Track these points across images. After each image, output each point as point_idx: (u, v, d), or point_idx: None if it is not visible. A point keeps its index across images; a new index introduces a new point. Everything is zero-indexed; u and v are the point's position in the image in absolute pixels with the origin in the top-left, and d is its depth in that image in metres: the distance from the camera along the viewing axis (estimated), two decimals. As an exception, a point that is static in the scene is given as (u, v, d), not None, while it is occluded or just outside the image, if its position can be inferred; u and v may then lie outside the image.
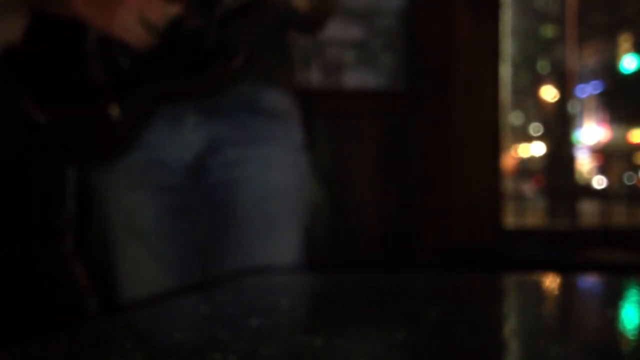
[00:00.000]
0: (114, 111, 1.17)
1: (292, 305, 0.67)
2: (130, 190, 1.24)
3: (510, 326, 0.60)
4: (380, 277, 0.84)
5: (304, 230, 1.26)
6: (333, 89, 2.56)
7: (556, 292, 0.78)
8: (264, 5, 1.20)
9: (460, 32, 2.56)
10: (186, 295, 0.79)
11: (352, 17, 2.57)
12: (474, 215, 2.55)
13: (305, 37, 1.43)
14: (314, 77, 2.52)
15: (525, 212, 4.08)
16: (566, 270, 1.35)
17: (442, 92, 2.56)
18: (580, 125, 9.29)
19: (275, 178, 1.23)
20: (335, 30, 2.55)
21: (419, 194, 2.53)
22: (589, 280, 0.84)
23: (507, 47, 2.84)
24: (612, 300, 0.73)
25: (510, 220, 2.98)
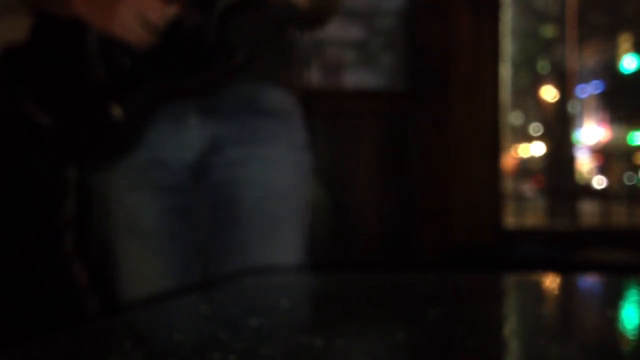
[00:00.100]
0: (115, 111, 1.17)
1: (292, 305, 0.67)
2: (131, 190, 1.24)
3: (510, 326, 0.60)
4: (380, 277, 0.84)
5: (305, 229, 1.26)
6: (333, 89, 2.56)
7: (556, 292, 0.78)
8: (263, 3, 1.20)
9: (460, 32, 2.56)
10: (186, 295, 0.79)
11: (352, 17, 2.57)
12: (474, 215, 2.55)
13: (306, 33, 1.42)
14: (314, 77, 2.52)
15: (525, 212, 4.07)
16: (566, 270, 1.35)
17: (442, 92, 2.56)
18: (580, 125, 9.29)
19: (277, 178, 1.23)
20: (335, 30, 2.55)
21: (419, 194, 2.53)
22: (589, 280, 0.84)
23: (507, 47, 2.84)
24: (612, 300, 0.73)
25: (510, 220, 2.98)
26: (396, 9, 2.58)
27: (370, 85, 2.58)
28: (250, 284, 0.86)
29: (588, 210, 4.25)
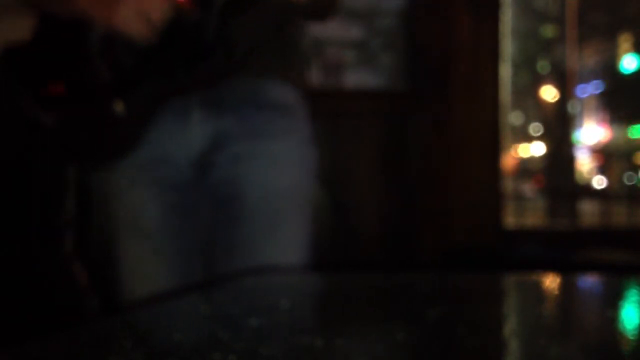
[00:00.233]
0: (118, 108, 1.17)
1: (292, 305, 0.67)
2: (133, 189, 1.24)
3: (510, 326, 0.60)
4: (380, 277, 0.84)
5: (309, 226, 1.25)
6: (333, 89, 2.57)
7: (556, 292, 0.78)
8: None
9: (460, 32, 2.56)
10: (186, 295, 0.79)
11: (352, 17, 2.57)
12: (474, 215, 2.55)
13: (313, 24, 1.42)
14: (314, 77, 2.52)
15: (525, 212, 4.08)
16: (566, 270, 1.35)
17: (442, 92, 2.55)
18: (580, 125, 9.29)
19: (281, 174, 1.23)
20: (335, 30, 2.55)
21: (419, 194, 2.53)
22: (589, 280, 0.84)
23: (507, 47, 2.84)
24: (612, 300, 0.73)
25: (510, 220, 2.98)
26: (396, 9, 2.58)
27: (370, 85, 2.58)
28: (250, 284, 0.86)
29: (588, 210, 4.25)
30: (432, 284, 0.80)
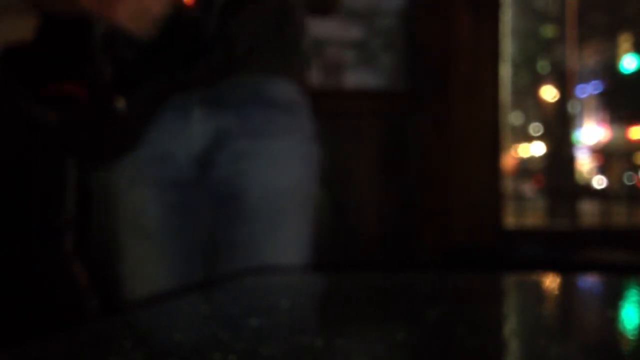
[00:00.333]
0: (120, 106, 1.17)
1: (292, 305, 0.67)
2: (135, 187, 1.24)
3: (510, 326, 0.60)
4: (380, 277, 0.84)
5: (310, 225, 1.25)
6: (333, 89, 2.57)
7: (556, 292, 0.78)
8: None
9: (460, 32, 2.56)
10: (186, 295, 0.79)
11: (352, 17, 2.57)
12: (474, 215, 2.55)
13: (316, 20, 1.42)
14: (314, 77, 2.52)
15: (525, 212, 4.08)
16: (566, 270, 1.35)
17: (442, 92, 2.55)
18: (580, 125, 9.29)
19: (283, 172, 1.22)
20: (335, 30, 2.55)
21: (419, 194, 2.53)
22: (589, 280, 0.84)
23: (507, 47, 2.84)
24: (612, 300, 0.73)
25: (510, 220, 2.98)
26: (396, 9, 2.58)
27: (370, 85, 2.58)
28: (250, 284, 0.86)
29: (588, 210, 4.25)
30: (432, 284, 0.80)
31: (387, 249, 2.52)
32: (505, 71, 2.71)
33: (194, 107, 1.20)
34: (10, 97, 1.21)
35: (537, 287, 0.79)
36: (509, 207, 3.13)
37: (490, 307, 0.68)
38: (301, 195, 1.24)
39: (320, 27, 2.48)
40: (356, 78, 2.58)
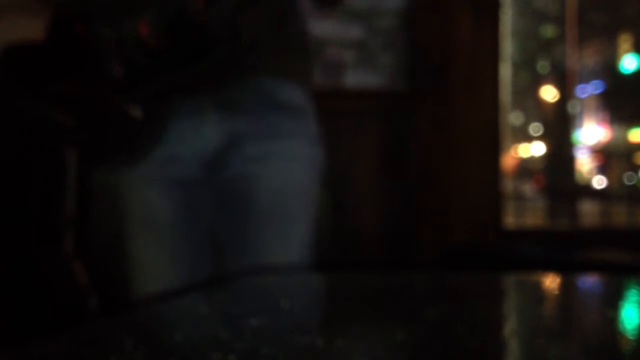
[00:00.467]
0: (132, 108, 1.17)
1: (292, 305, 0.67)
2: (146, 186, 1.25)
3: (510, 326, 0.60)
4: (380, 277, 0.84)
5: (313, 225, 1.27)
6: (333, 89, 2.57)
7: (556, 292, 0.78)
8: None
9: (460, 32, 2.56)
10: (186, 294, 0.79)
11: (352, 17, 2.57)
12: (474, 215, 2.55)
13: (325, 10, 1.43)
14: (314, 77, 2.52)
15: (525, 212, 4.07)
16: (566, 270, 1.35)
17: (442, 92, 2.55)
18: (580, 125, 9.28)
19: (293, 173, 1.24)
20: (335, 30, 2.55)
21: (419, 193, 2.53)
22: (589, 280, 0.84)
23: (507, 47, 2.84)
24: (612, 300, 0.73)
25: (510, 220, 2.98)
26: (396, 9, 2.58)
27: (370, 85, 2.58)
28: (250, 284, 0.86)
29: (588, 210, 4.25)
30: (432, 283, 0.80)
31: (387, 249, 2.52)
32: (505, 71, 2.71)
33: (207, 110, 1.22)
34: (11, 97, 1.21)
35: (537, 287, 0.79)
36: (509, 207, 3.13)
37: (490, 307, 0.68)
38: (309, 195, 1.26)
39: (320, 27, 2.48)
40: (356, 78, 2.58)
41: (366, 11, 2.58)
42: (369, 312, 0.65)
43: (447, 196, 2.54)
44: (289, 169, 1.24)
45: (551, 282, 0.81)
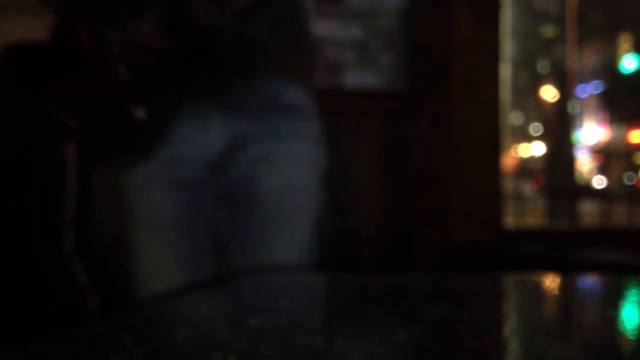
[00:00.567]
0: (139, 113, 1.17)
1: (292, 305, 0.67)
2: (153, 186, 1.25)
3: (510, 326, 0.60)
4: (380, 277, 0.84)
5: (315, 225, 1.28)
6: (333, 89, 2.57)
7: (556, 292, 0.78)
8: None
9: (460, 32, 2.56)
10: (186, 294, 0.79)
11: (352, 17, 2.57)
12: (474, 215, 2.55)
13: (329, 5, 1.44)
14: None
15: (525, 212, 4.08)
16: (566, 270, 1.35)
17: (442, 92, 2.55)
18: (580, 125, 9.28)
19: (297, 174, 1.25)
20: (335, 30, 2.55)
21: (419, 193, 2.53)
22: (589, 280, 0.84)
23: (507, 47, 2.84)
24: (612, 300, 0.73)
25: (510, 220, 2.98)
26: (396, 9, 2.58)
27: (370, 85, 2.58)
28: (250, 284, 0.86)
29: (588, 210, 4.25)
30: (432, 283, 0.80)
31: (386, 249, 2.52)
32: (505, 71, 2.71)
33: (212, 111, 1.22)
34: (11, 97, 1.21)
35: (537, 287, 0.79)
36: (509, 207, 3.13)
37: (490, 307, 0.68)
38: (310, 196, 1.27)
39: (320, 27, 2.48)
40: (356, 78, 2.58)
41: (366, 11, 2.58)
42: (369, 312, 0.65)
43: (447, 196, 2.54)
44: (292, 169, 1.25)
45: (551, 282, 0.81)
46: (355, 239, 2.49)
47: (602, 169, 8.85)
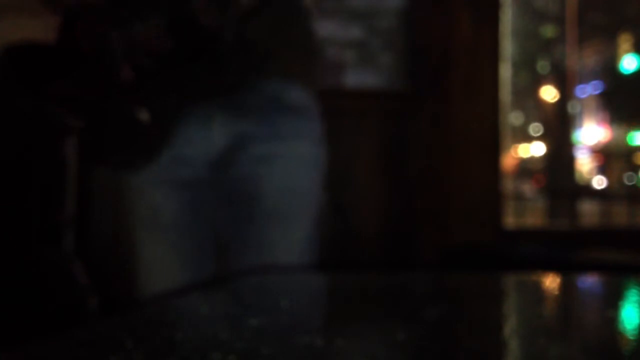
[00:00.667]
0: (142, 115, 1.17)
1: (292, 305, 0.67)
2: (154, 186, 1.26)
3: (510, 326, 0.60)
4: (380, 277, 0.84)
5: (316, 225, 1.28)
6: (333, 89, 2.57)
7: (556, 292, 0.78)
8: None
9: (460, 32, 2.56)
10: (186, 294, 0.79)
11: (352, 17, 2.57)
12: (474, 215, 2.55)
13: None
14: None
15: (525, 212, 4.08)
16: (566, 270, 1.35)
17: (442, 92, 2.55)
18: (580, 125, 9.28)
19: (299, 174, 1.25)
20: (335, 30, 2.55)
21: (419, 193, 2.53)
22: (589, 280, 0.84)
23: (507, 47, 2.84)
24: (612, 300, 0.73)
25: (510, 220, 2.98)
26: (396, 9, 2.58)
27: (370, 85, 2.58)
28: (250, 284, 0.86)
29: (588, 210, 4.25)
30: (432, 283, 0.80)
31: (387, 249, 2.52)
32: (505, 71, 2.71)
33: (214, 112, 1.22)
34: (11, 97, 1.21)
35: (537, 287, 0.79)
36: (509, 207, 3.13)
37: (490, 307, 0.68)
38: (312, 196, 1.27)
39: (321, 27, 2.48)
40: (356, 78, 2.58)
41: (366, 11, 2.58)
42: (369, 312, 0.65)
43: (447, 196, 2.54)
44: (294, 169, 1.25)
45: (551, 282, 0.81)
46: (355, 239, 2.49)
47: (602, 169, 8.85)
